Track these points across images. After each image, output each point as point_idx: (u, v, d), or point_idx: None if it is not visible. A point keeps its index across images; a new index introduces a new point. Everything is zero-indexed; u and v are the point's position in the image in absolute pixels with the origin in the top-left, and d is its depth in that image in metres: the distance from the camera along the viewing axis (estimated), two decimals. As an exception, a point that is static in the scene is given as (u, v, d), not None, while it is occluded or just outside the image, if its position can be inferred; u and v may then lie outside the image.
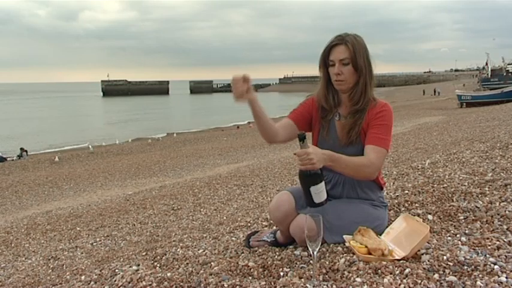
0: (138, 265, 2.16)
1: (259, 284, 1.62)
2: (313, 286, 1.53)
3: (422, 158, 4.94)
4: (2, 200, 9.28)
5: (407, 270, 1.51)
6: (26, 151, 19.22)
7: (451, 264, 1.54)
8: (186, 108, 55.49)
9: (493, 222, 1.99)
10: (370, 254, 1.67)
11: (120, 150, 18.24)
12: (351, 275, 1.54)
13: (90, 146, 19.26)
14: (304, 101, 2.13)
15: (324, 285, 1.53)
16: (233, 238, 2.77)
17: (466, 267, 1.51)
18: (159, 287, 1.72)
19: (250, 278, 1.75)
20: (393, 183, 3.46)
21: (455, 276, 1.46)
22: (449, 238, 1.88)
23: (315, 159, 1.68)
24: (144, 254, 2.78)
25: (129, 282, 1.83)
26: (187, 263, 2.13)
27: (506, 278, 1.41)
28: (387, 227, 1.94)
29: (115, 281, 1.90)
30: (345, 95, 2.00)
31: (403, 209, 2.46)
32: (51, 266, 3.56)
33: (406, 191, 2.87)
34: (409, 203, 2.54)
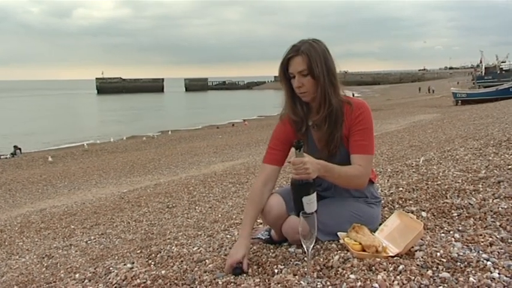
0: (133, 263, 2.15)
1: (254, 281, 1.62)
2: (308, 283, 1.53)
3: (417, 156, 4.97)
4: (-5, 198, 9.23)
5: (401, 267, 1.52)
6: (20, 149, 19.11)
7: (445, 260, 1.55)
8: (181, 106, 55.37)
9: (486, 219, 2.01)
10: (364, 250, 1.68)
11: (115, 148, 18.17)
12: (345, 271, 1.55)
13: (85, 144, 19.18)
14: (275, 131, 2.06)
15: (318, 282, 1.54)
16: (228, 236, 2.77)
17: (459, 263, 1.52)
18: (153, 284, 1.72)
19: (244, 275, 1.75)
20: (387, 180, 3.47)
21: (448, 272, 1.47)
22: (442, 235, 1.89)
23: (311, 168, 1.68)
24: (138, 251, 2.77)
25: (123, 280, 1.82)
26: (181, 261, 2.13)
27: (499, 274, 1.42)
28: (381, 224, 1.95)
29: (109, 279, 1.90)
30: (312, 105, 1.95)
31: (397, 206, 2.47)
32: (45, 265, 3.54)
33: (401, 188, 2.88)
34: (403, 200, 2.55)
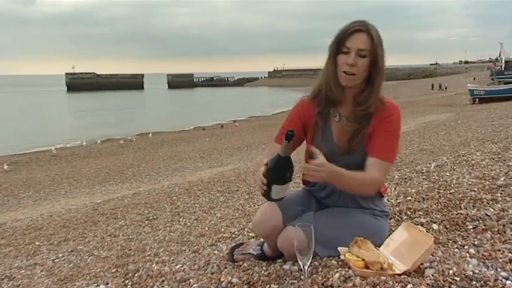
0: (107, 283, 2.15)
1: (244, 303, 1.63)
2: (304, 305, 1.54)
3: (428, 161, 5.00)
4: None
5: (409, 286, 1.54)
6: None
7: (458, 279, 1.56)
8: (164, 105, 55.20)
9: (505, 232, 2.03)
10: (367, 268, 1.69)
11: (88, 152, 18.06)
12: (346, 291, 1.56)
13: (53, 148, 19.03)
14: (293, 110, 2.11)
15: (316, 303, 1.55)
16: (215, 251, 2.77)
17: (474, 282, 1.54)
18: (129, 308, 1.72)
19: (233, 296, 1.75)
20: (395, 188, 3.50)
21: (462, 292, 1.48)
22: (456, 250, 1.91)
23: (326, 173, 1.74)
24: (114, 270, 2.76)
25: (95, 303, 1.82)
26: (162, 280, 2.13)
27: (519, 294, 1.44)
28: (387, 237, 1.96)
29: (79, 302, 1.89)
30: (349, 92, 1.98)
31: (405, 217, 2.49)
32: (5, 287, 3.50)
33: (409, 198, 2.90)
34: (411, 210, 2.57)
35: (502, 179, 3.01)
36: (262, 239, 2.36)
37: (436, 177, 3.60)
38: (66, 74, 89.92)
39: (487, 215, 2.27)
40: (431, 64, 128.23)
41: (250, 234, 3.12)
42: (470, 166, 3.84)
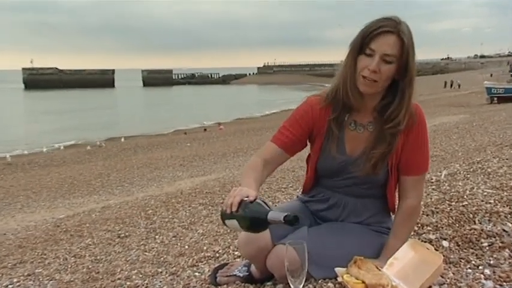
0: (70, 311, 2.13)
1: (228, 332, 1.64)
2: (297, 334, 1.55)
3: (438, 169, 5.05)
4: None
5: (415, 312, 1.55)
6: None
7: (471, 303, 1.59)
8: (138, 105, 55.03)
9: (524, 250, 2.06)
10: (368, 291, 1.70)
11: (49, 160, 17.91)
12: (344, 318, 1.57)
13: (7, 156, 18.83)
14: (297, 112, 2.11)
15: (311, 332, 1.56)
16: (196, 273, 2.77)
17: (490, 308, 1.56)
18: None
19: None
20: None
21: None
22: (469, 270, 1.93)
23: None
24: (78, 297, 2.74)
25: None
26: (134, 308, 2.12)
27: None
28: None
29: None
30: (368, 100, 2.01)
31: (411, 233, 2.51)
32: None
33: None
34: (419, 225, 2.59)
35: (522, 189, 3.05)
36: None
37: (447, 188, 3.64)
38: (24, 69, 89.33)
39: (504, 230, 2.30)
40: (443, 59, 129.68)
41: (236, 253, 3.12)
42: (486, 175, 3.88)
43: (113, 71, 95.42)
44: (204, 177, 10.37)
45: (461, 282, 1.75)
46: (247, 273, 2.24)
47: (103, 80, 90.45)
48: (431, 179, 4.21)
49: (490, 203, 2.79)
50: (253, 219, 1.71)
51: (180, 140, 21.52)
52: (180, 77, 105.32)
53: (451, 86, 45.80)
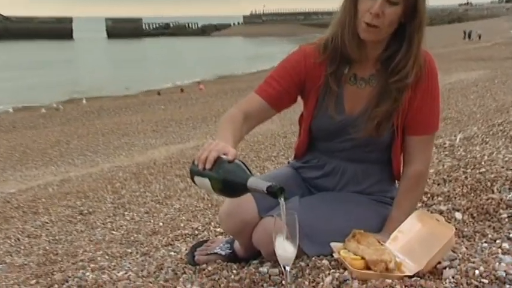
0: (24, 298, 2.15)
1: (207, 317, 1.66)
2: (286, 317, 1.58)
3: (452, 132, 5.09)
4: None
5: (421, 292, 1.58)
6: None
7: (486, 281, 1.60)
8: (102, 60, 54.34)
9: (548, 222, 2.09)
10: (368, 268, 1.73)
11: (-4, 125, 17.73)
12: (340, 299, 1.59)
13: None
14: (288, 62, 2.11)
15: (302, 315, 1.59)
16: (172, 253, 2.79)
17: (508, 286, 1.58)
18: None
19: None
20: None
21: (491, 298, 1.53)
22: (484, 245, 1.96)
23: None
24: (33, 282, 2.76)
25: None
26: (99, 291, 2.14)
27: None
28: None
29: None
30: (370, 49, 2.00)
31: (419, 204, 2.54)
32: None
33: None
34: (428, 195, 2.63)
35: (548, 154, 3.09)
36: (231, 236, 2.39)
37: (463, 153, 3.68)
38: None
39: (526, 200, 2.33)
40: (461, 4, 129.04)
41: (218, 229, 3.15)
42: (508, 138, 3.91)
43: (71, 19, 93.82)
44: (181, 144, 10.37)
45: (475, 257, 1.78)
46: (229, 251, 2.27)
47: (59, 30, 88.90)
48: (444, 143, 4.25)
49: (511, 169, 2.82)
50: (229, 182, 1.67)
51: (153, 102, 21.36)
52: (151, 28, 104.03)
53: (469, 37, 45.66)
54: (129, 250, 3.23)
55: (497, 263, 1.68)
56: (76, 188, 6.61)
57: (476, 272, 1.64)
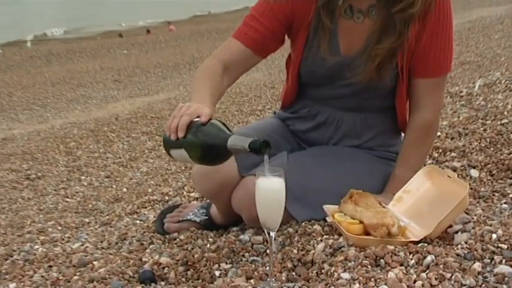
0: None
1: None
2: (271, 291, 1.60)
3: (470, 79, 5.11)
4: None
5: (429, 259, 1.60)
6: None
7: (505, 247, 1.64)
8: (51, -4, 53.47)
9: None
10: (367, 234, 1.76)
11: None
12: (334, 269, 1.62)
13: None
14: None
15: (289, 288, 1.61)
16: (137, 221, 2.81)
17: (530, 251, 1.61)
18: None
19: (162, 283, 1.80)
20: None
21: (510, 266, 1.55)
22: (504, 206, 2.00)
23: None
24: (-29, 256, 2.76)
25: None
26: (49, 266, 2.16)
27: None
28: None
29: None
30: None
31: (429, 161, 2.58)
32: None
33: (438, 133, 2.97)
34: (440, 151, 2.66)
35: None
36: (208, 201, 2.41)
37: (482, 103, 3.70)
38: None
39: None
40: None
41: (193, 194, 3.16)
42: (535, 85, 3.95)
43: None
44: (148, 97, 10.31)
45: (493, 220, 1.81)
46: (205, 217, 2.29)
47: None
48: (461, 92, 4.27)
49: (538, 120, 2.86)
50: (207, 147, 1.68)
51: (113, 46, 21.14)
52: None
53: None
54: (87, 220, 3.24)
55: (517, 226, 1.72)
56: (21, 149, 6.57)
57: (494, 236, 1.68)
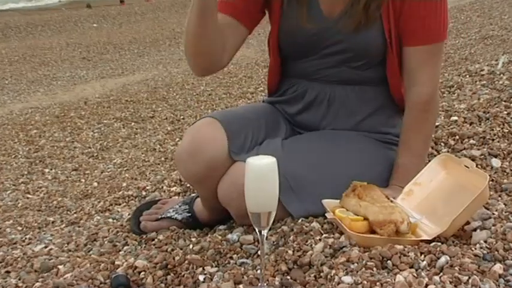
0: None
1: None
2: (262, 297, 1.62)
3: (493, 56, 5.12)
4: None
5: (442, 260, 1.62)
6: None
7: (529, 246, 1.66)
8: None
9: None
10: (373, 232, 1.78)
11: None
12: (334, 272, 1.63)
13: None
14: None
15: (283, 294, 1.62)
16: (110, 220, 2.81)
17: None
18: None
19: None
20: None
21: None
22: (529, 200, 2.02)
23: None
24: None
25: None
26: (7, 272, 2.16)
27: None
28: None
29: None
30: None
31: (444, 149, 2.60)
32: None
33: (455, 117, 3.02)
34: (457, 137, 2.68)
35: None
36: (191, 195, 2.41)
37: (506, 82, 3.71)
38: None
39: None
40: None
41: (173, 189, 3.16)
42: None
43: None
44: (122, 77, 10.29)
45: (517, 217, 1.83)
46: (188, 214, 2.31)
47: None
48: (482, 70, 4.28)
49: None
50: None
51: (81, 18, 21.04)
52: None
53: None
54: (51, 219, 3.24)
55: (543, 223, 1.74)
56: (-24, 137, 6.57)
57: (517, 234, 1.70)
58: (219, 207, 2.12)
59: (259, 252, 1.80)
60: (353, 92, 2.19)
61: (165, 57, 11.98)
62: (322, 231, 1.90)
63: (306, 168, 2.04)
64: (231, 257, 1.92)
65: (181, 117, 6.10)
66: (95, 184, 4.12)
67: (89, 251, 2.29)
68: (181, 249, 2.03)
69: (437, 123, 2.94)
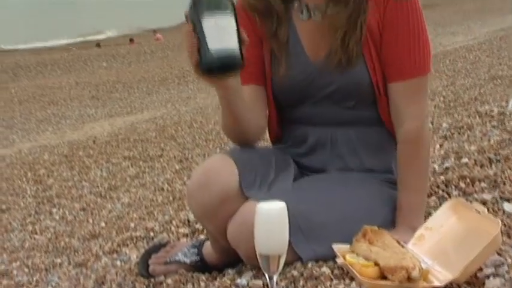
0: None
1: None
2: None
3: (503, 96, 5.13)
4: None
5: (455, 308, 1.61)
6: None
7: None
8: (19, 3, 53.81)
9: None
10: (384, 278, 1.76)
11: None
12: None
13: None
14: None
15: None
16: (117, 262, 2.80)
17: None
18: None
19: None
20: (440, 145, 3.62)
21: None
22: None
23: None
24: None
25: None
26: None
27: None
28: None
29: None
30: None
31: (455, 192, 2.58)
32: None
33: (465, 160, 3.00)
34: (468, 180, 2.66)
35: None
36: (201, 236, 2.41)
37: (517, 123, 3.72)
38: None
39: None
40: None
41: (181, 230, 3.16)
42: None
43: None
44: (131, 116, 10.35)
45: (531, 263, 1.81)
46: (197, 258, 2.29)
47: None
48: (492, 111, 4.28)
49: None
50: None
51: (91, 57, 21.23)
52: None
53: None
54: (58, 260, 3.23)
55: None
56: (-18, 177, 6.59)
57: (533, 281, 1.68)
58: (228, 248, 2.11)
59: (268, 299, 1.79)
60: (354, 133, 2.21)
61: (174, 95, 12.06)
62: (332, 277, 1.88)
63: (315, 210, 2.03)
64: (240, 302, 1.92)
65: (190, 155, 6.11)
66: (103, 224, 4.11)
67: (96, 295, 2.29)
68: (191, 294, 2.02)
69: (447, 165, 2.95)
